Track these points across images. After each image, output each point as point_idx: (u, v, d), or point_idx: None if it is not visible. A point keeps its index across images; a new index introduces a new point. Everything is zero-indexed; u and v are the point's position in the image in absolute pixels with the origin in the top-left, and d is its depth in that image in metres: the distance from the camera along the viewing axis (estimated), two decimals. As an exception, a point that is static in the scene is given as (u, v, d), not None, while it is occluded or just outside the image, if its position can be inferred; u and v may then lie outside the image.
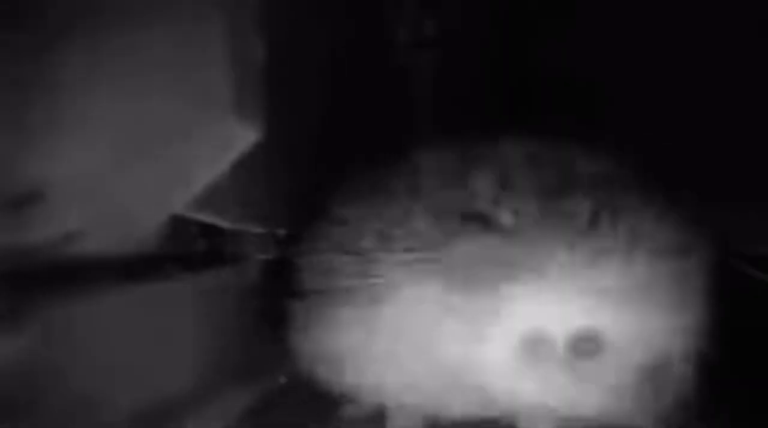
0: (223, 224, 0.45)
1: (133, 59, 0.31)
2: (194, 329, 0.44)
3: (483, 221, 0.35)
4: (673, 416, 0.34)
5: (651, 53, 0.54)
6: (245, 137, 0.35)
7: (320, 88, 0.55)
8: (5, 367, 0.29)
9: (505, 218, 0.34)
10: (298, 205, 0.47)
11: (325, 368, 0.42)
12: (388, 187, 0.41)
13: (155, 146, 0.33)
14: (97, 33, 0.29)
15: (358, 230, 0.41)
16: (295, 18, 0.49)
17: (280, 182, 0.48)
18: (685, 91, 0.52)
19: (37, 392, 0.31)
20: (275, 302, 0.45)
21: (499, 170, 0.37)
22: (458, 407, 0.39)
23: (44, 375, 0.31)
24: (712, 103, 0.50)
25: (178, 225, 0.41)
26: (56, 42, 0.28)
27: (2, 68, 0.26)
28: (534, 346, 0.35)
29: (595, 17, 0.58)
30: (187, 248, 0.45)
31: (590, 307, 0.33)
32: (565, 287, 0.34)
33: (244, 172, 0.39)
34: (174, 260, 0.42)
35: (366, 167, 0.44)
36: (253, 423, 0.46)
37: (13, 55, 0.26)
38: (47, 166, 0.29)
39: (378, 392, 0.41)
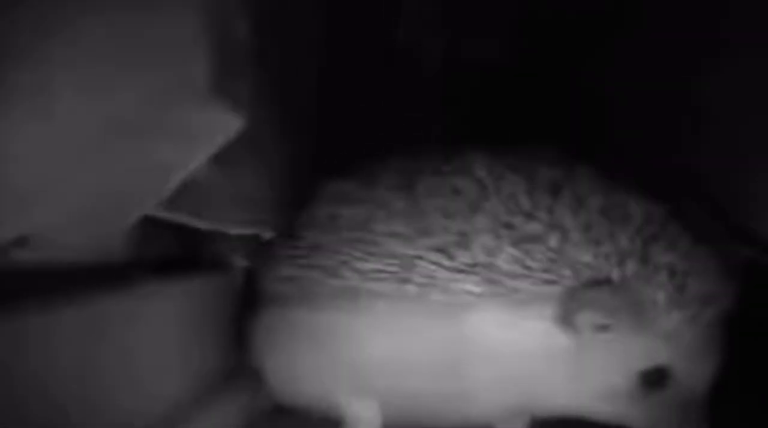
0: (200, 225, 0.44)
1: (97, 38, 0.29)
2: (167, 344, 0.43)
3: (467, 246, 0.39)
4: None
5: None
6: (226, 126, 0.35)
7: (311, 72, 0.55)
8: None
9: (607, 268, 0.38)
10: (286, 205, 0.47)
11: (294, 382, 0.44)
12: (464, 194, 0.41)
13: (122, 137, 0.32)
14: (55, 7, 0.28)
15: (342, 235, 0.42)
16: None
17: (267, 177, 0.47)
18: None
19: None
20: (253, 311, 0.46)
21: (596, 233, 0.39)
22: (436, 417, 0.42)
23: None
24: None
25: (149, 228, 0.40)
26: (6, 15, 0.27)
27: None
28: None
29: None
30: (160, 254, 0.45)
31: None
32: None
33: (225, 166, 0.39)
34: (144, 268, 0.42)
35: (360, 165, 0.44)
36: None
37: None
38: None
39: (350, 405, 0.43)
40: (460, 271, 0.39)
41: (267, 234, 0.47)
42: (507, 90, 0.61)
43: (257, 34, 0.38)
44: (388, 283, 0.40)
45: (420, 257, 0.39)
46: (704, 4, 0.50)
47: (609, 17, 0.58)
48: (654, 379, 0.39)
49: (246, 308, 0.46)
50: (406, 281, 0.39)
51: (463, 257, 0.39)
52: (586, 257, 0.38)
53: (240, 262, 0.50)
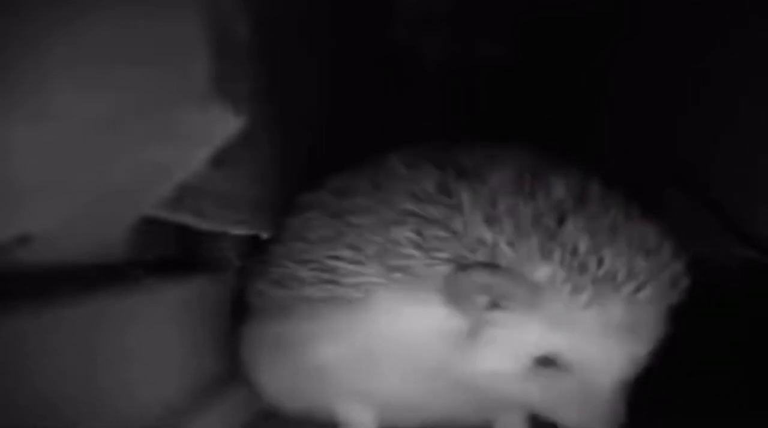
0: (200, 225, 0.43)
1: (97, 38, 0.29)
2: (165, 345, 0.42)
3: (475, 245, 0.37)
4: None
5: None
6: (225, 126, 0.34)
7: (312, 72, 0.54)
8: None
9: (502, 247, 0.37)
10: (286, 205, 0.46)
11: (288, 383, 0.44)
12: (381, 190, 0.41)
13: (122, 137, 0.31)
14: (54, 8, 0.27)
15: (339, 231, 0.41)
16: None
17: (267, 178, 0.47)
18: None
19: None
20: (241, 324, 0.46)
21: (491, 201, 0.38)
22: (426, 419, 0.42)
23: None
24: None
25: (150, 228, 0.40)
26: (7, 15, 0.26)
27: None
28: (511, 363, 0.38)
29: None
30: (159, 254, 0.44)
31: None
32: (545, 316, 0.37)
33: (224, 167, 0.38)
34: (145, 268, 0.41)
35: (362, 165, 0.44)
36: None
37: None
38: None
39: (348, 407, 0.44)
40: (365, 264, 0.39)
41: (265, 235, 0.47)
42: (508, 88, 0.61)
43: (257, 34, 0.38)
44: (320, 287, 0.40)
45: (337, 258, 0.40)
46: (705, 6, 0.50)
47: (610, 18, 0.58)
48: (547, 361, 0.37)
49: (236, 321, 0.47)
50: (333, 282, 0.40)
51: (370, 250, 0.39)
52: (483, 234, 0.37)
53: (238, 262, 0.50)
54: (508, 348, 0.38)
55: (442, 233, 0.37)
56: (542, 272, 0.36)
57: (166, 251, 0.45)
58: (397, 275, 0.38)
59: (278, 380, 0.44)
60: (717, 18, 0.50)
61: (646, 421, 0.40)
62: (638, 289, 0.36)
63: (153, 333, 0.41)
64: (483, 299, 0.36)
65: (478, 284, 0.36)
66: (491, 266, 0.36)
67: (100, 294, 0.36)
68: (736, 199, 0.45)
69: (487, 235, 0.37)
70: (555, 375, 0.38)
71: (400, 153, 0.42)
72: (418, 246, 0.38)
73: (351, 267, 0.39)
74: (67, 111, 0.28)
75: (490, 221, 0.37)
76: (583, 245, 0.36)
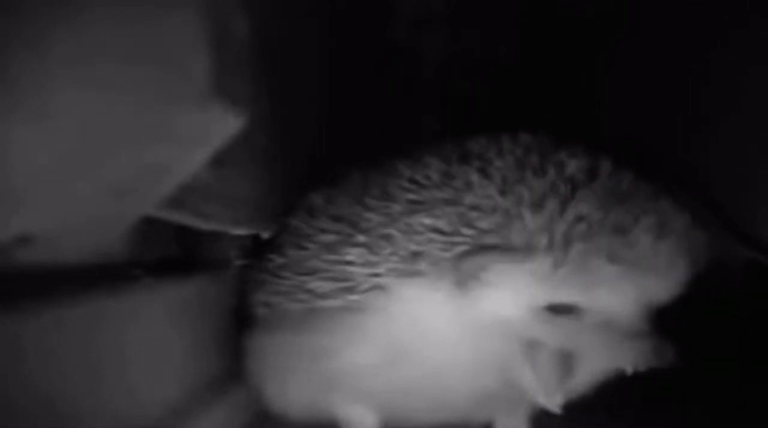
0: (200, 225, 0.43)
1: (97, 37, 0.29)
2: (165, 345, 0.42)
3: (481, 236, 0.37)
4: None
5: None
6: (225, 126, 0.34)
7: (312, 69, 0.54)
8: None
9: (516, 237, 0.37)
10: (286, 204, 0.46)
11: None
12: (383, 187, 0.41)
13: (122, 137, 0.31)
14: (54, 8, 0.27)
15: (345, 234, 0.41)
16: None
17: (267, 178, 0.47)
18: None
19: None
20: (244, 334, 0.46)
21: (502, 177, 0.38)
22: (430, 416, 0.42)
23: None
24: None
25: (150, 228, 0.40)
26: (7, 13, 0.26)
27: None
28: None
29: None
30: (160, 254, 0.44)
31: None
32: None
33: (224, 166, 0.38)
34: (145, 268, 0.41)
35: (361, 164, 0.44)
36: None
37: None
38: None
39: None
40: (379, 263, 0.39)
41: (265, 235, 0.47)
42: (508, 88, 0.61)
43: (257, 34, 0.38)
44: (335, 297, 0.40)
45: (349, 263, 0.39)
46: (705, 6, 0.50)
47: (611, 18, 0.58)
48: (563, 310, 0.38)
49: (239, 327, 0.46)
50: (348, 290, 0.39)
51: (384, 249, 0.39)
52: (498, 202, 0.37)
53: (238, 262, 0.50)
54: (508, 297, 0.38)
55: (450, 209, 0.37)
56: (534, 222, 0.36)
57: (166, 251, 0.45)
58: (419, 265, 0.38)
59: (287, 389, 0.44)
60: (717, 18, 0.50)
61: (646, 420, 0.41)
62: (625, 229, 0.37)
63: (153, 333, 0.40)
64: (486, 275, 0.37)
65: (483, 265, 0.37)
66: (493, 248, 0.36)
67: (100, 294, 0.36)
68: (736, 199, 0.45)
69: (501, 202, 0.37)
70: (575, 320, 0.38)
71: (399, 157, 0.42)
72: (434, 229, 0.38)
73: (364, 270, 0.39)
74: (67, 111, 0.28)
75: (504, 192, 0.37)
76: (572, 209, 0.36)
